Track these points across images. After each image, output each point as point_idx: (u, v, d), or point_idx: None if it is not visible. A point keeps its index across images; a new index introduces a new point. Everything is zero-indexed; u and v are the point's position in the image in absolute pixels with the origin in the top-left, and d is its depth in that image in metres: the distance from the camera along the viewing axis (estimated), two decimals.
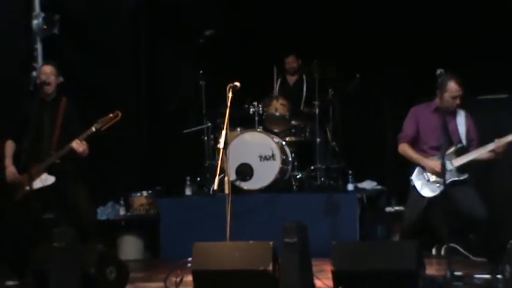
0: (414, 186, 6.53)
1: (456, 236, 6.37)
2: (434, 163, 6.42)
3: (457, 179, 6.38)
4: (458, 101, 6.52)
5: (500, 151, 6.35)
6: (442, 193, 6.19)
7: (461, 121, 6.57)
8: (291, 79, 9.11)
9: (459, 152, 6.46)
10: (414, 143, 6.65)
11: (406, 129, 6.70)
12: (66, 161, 6.51)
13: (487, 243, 6.41)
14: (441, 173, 6.04)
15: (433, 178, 6.44)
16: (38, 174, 6.46)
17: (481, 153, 6.41)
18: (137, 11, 9.53)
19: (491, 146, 6.36)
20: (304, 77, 8.94)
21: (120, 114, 6.49)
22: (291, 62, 9.01)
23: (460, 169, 6.41)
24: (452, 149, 6.42)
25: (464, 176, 6.42)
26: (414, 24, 8.63)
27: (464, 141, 6.51)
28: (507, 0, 8.11)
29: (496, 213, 6.61)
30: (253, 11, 9.41)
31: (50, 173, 6.50)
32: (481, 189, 6.50)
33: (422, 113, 6.67)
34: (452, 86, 6.46)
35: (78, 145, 6.43)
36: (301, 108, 8.75)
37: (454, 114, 6.59)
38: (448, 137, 6.37)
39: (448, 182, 5.99)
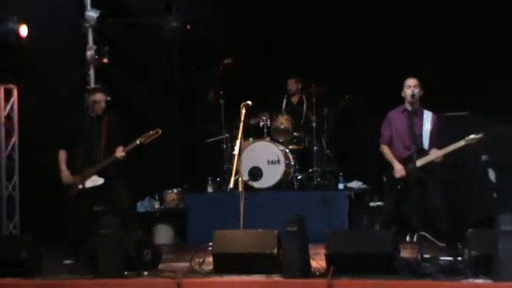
0: (385, 181, 6.51)
1: (426, 226, 6.33)
2: (400, 167, 6.36)
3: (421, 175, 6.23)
4: (414, 91, 6.27)
5: (439, 161, 6.25)
6: (409, 189, 6.21)
7: (427, 122, 6.39)
8: (294, 99, 8.98)
9: (422, 154, 6.29)
10: (391, 143, 6.56)
11: (382, 133, 6.65)
12: (113, 165, 6.57)
13: (450, 232, 6.36)
14: (403, 178, 6.24)
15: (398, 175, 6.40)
16: (90, 176, 6.52)
17: (435, 157, 6.29)
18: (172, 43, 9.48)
19: (432, 156, 6.25)
20: (304, 98, 8.86)
21: (160, 132, 6.46)
22: (290, 84, 8.91)
23: (423, 168, 6.24)
24: (414, 151, 6.17)
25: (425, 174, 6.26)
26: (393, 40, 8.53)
27: (427, 143, 6.34)
28: None
29: (457, 207, 6.58)
30: (266, 44, 9.40)
31: (99, 175, 6.56)
32: (445, 185, 6.44)
33: (394, 115, 6.57)
34: (407, 80, 6.36)
35: (120, 153, 6.47)
36: (301, 123, 8.70)
37: (420, 116, 6.39)
38: (414, 138, 6.19)
39: (413, 180, 5.99)
